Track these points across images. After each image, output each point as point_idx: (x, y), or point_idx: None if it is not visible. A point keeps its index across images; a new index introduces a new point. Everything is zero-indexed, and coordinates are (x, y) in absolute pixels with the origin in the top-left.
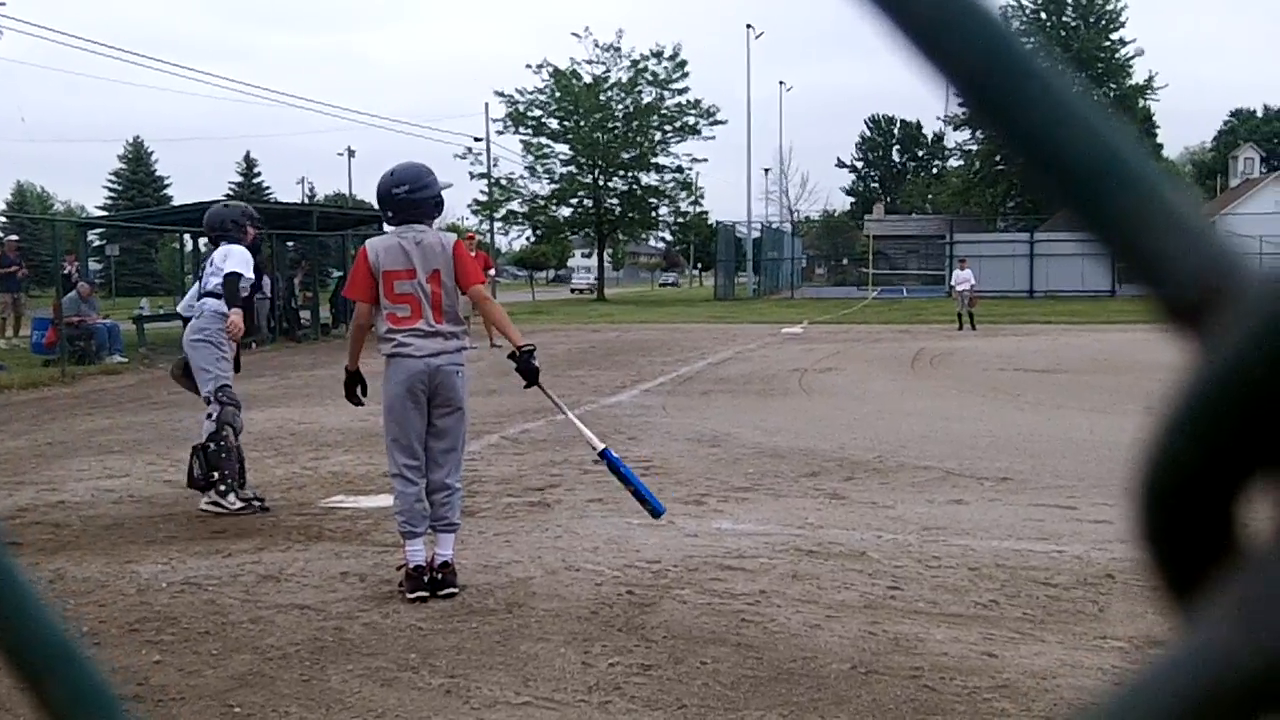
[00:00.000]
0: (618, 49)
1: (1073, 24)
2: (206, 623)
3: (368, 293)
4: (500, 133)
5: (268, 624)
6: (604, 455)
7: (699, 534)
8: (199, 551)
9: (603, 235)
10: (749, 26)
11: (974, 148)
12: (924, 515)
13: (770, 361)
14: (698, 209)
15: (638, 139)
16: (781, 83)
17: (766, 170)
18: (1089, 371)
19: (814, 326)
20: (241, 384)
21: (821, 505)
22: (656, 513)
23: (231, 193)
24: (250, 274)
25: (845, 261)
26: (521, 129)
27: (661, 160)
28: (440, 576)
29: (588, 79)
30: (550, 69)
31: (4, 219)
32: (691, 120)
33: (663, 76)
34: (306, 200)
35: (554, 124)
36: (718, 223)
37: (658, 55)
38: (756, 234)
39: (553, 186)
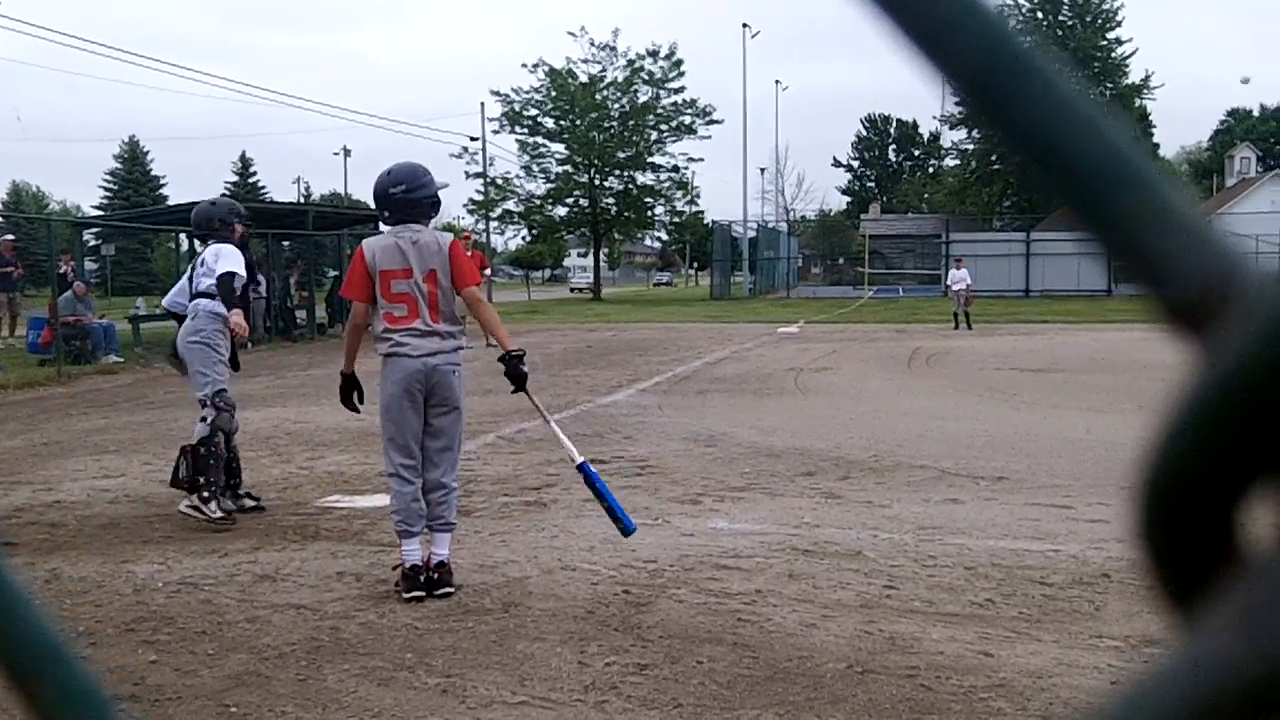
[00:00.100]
0: (614, 48)
1: (1069, 23)
2: (203, 622)
3: (365, 292)
4: (496, 132)
5: (264, 624)
6: (581, 468)
7: (695, 533)
8: (195, 551)
9: (598, 235)
10: (745, 26)
11: (970, 147)
12: (920, 514)
13: (766, 361)
14: (694, 208)
15: (634, 138)
16: (777, 82)
17: (763, 170)
18: (1085, 371)
19: (810, 326)
20: (237, 383)
21: (817, 505)
22: (627, 531)
23: (227, 192)
24: (243, 272)
25: (841, 261)
26: (517, 128)
27: (657, 160)
28: (436, 576)
29: (584, 78)
30: (546, 68)
31: (0, 218)
32: (687, 120)
33: (659, 76)
34: (302, 199)
35: (550, 123)
36: (714, 222)
37: (654, 54)
38: (752, 233)
39: (548, 186)
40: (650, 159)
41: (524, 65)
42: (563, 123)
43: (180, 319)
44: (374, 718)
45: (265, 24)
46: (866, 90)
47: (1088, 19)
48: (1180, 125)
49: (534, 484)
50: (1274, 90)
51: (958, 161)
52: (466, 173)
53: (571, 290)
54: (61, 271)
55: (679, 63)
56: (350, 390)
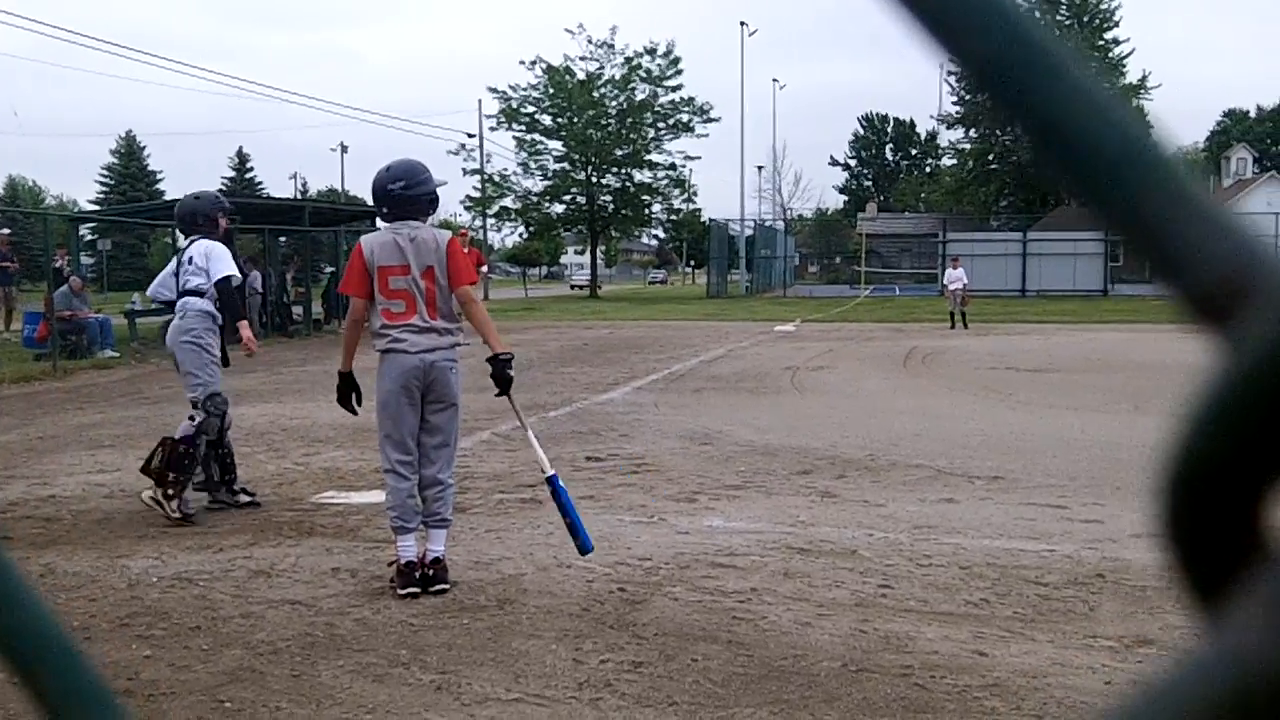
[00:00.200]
0: (611, 46)
1: (1066, 22)
2: (197, 618)
3: (363, 288)
4: (493, 129)
5: (258, 619)
6: (550, 481)
7: (690, 531)
8: (190, 546)
9: (596, 232)
10: (743, 24)
11: (967, 146)
12: (915, 514)
13: (763, 359)
14: (691, 206)
15: (631, 136)
16: (775, 80)
17: (760, 168)
18: (1081, 371)
19: (807, 325)
20: (233, 379)
21: (813, 503)
22: (584, 550)
23: (224, 187)
24: (236, 271)
25: (838, 260)
26: (515, 125)
27: (655, 157)
28: (432, 572)
29: (581, 76)
30: (544, 65)
31: None
32: (685, 118)
33: (656, 73)
34: (299, 196)
35: (547, 120)
36: (711, 220)
37: (651, 52)
38: (749, 232)
39: (546, 183)
40: (647, 157)
41: (521, 62)
42: (560, 120)
43: (169, 305)
44: (368, 714)
45: (262, 23)
46: (864, 89)
47: (1085, 19)
48: (1177, 126)
49: (530, 481)
50: (1271, 91)
51: (955, 161)
52: (464, 170)
53: (572, 288)
54: (57, 266)
55: (676, 60)
56: (348, 391)
